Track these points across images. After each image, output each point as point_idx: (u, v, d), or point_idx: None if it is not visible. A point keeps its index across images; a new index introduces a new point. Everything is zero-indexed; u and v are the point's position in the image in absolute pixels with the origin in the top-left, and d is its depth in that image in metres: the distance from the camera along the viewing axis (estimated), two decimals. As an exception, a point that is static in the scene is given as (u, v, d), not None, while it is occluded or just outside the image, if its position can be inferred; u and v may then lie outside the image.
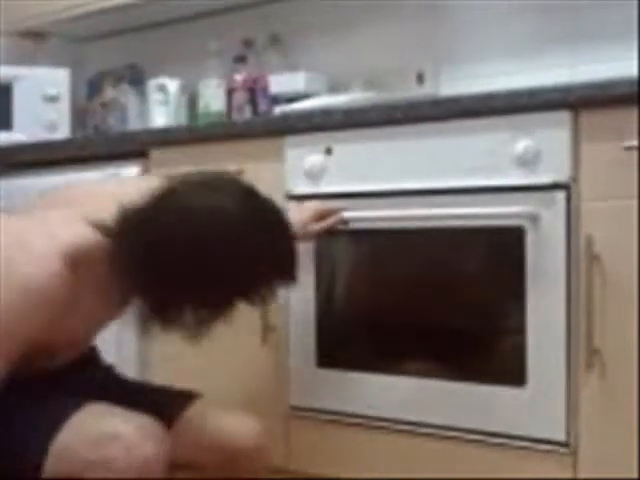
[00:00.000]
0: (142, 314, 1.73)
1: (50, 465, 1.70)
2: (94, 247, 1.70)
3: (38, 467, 1.70)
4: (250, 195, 1.73)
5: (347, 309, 2.48)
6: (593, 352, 2.05)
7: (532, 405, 2.13)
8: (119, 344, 2.86)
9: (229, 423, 2.00)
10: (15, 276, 1.59)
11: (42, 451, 1.70)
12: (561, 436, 2.10)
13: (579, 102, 2.09)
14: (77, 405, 1.76)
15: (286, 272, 1.77)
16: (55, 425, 1.72)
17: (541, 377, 2.12)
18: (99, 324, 1.92)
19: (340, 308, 2.49)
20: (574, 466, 2.09)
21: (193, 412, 1.99)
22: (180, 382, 2.11)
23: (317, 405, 2.48)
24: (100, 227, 1.71)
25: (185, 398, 2.03)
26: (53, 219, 1.73)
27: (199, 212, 1.65)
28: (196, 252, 1.63)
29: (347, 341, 2.46)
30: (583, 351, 2.06)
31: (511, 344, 2.18)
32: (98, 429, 1.71)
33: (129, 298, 1.76)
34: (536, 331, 2.13)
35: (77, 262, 1.66)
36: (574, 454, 2.09)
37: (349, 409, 2.42)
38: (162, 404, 1.95)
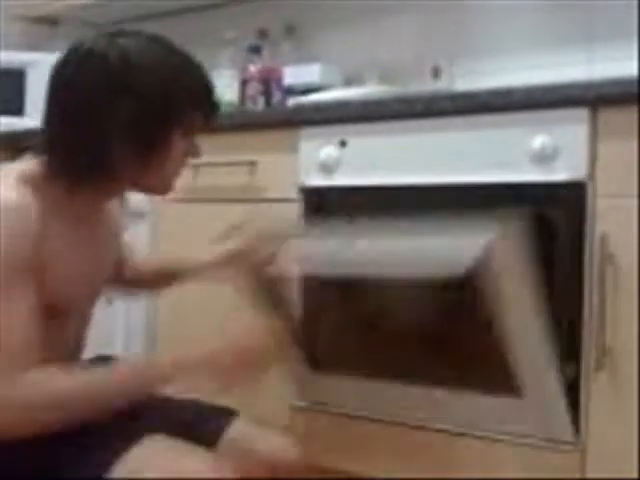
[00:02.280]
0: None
1: None
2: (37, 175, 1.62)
3: None
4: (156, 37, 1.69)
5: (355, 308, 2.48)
6: (605, 351, 2.04)
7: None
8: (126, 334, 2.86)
9: (272, 445, 1.87)
10: None
11: None
12: (567, 436, 2.09)
13: (598, 99, 2.08)
14: (132, 437, 1.65)
15: (205, 98, 1.73)
16: (111, 459, 1.60)
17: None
18: (95, 264, 1.79)
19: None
20: (582, 465, 2.09)
21: (234, 432, 1.87)
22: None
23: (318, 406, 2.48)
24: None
25: (224, 416, 1.91)
26: None
27: (111, 52, 1.59)
28: (98, 88, 1.57)
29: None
30: (594, 350, 2.06)
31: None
32: (173, 468, 1.60)
33: (88, 204, 1.70)
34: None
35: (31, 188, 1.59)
36: (583, 453, 2.09)
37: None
38: (202, 422, 1.86)
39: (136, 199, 1.88)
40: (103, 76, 1.58)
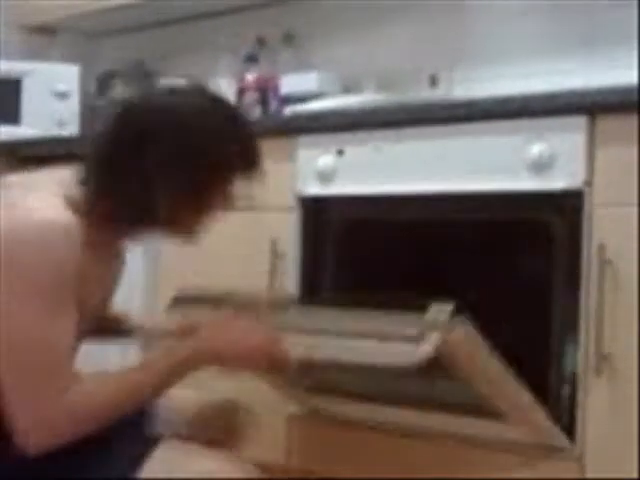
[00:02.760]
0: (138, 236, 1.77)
1: None
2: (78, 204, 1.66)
3: None
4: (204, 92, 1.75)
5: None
6: (603, 357, 2.04)
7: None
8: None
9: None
10: (34, 221, 1.57)
11: None
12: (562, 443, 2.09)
13: (595, 107, 2.08)
14: (152, 442, 1.72)
15: (253, 160, 1.78)
16: (133, 465, 1.67)
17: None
18: (106, 290, 1.86)
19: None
20: (581, 472, 2.08)
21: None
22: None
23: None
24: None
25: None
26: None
27: (166, 109, 1.67)
28: (173, 145, 1.64)
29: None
30: (592, 356, 2.05)
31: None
32: (193, 468, 1.67)
33: (118, 237, 1.77)
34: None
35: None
36: (580, 460, 2.08)
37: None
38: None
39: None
40: (161, 133, 1.64)
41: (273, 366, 1.80)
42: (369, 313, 1.81)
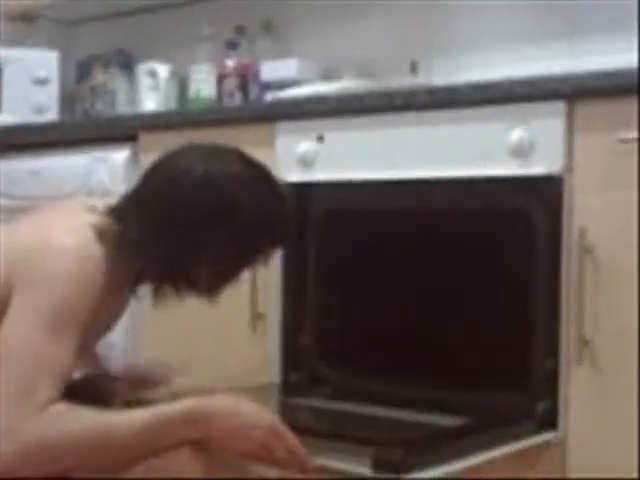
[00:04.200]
0: (156, 290, 1.75)
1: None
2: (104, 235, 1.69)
3: None
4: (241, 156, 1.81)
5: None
6: (584, 344, 2.04)
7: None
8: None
9: None
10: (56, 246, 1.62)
11: None
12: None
13: (574, 93, 2.08)
14: None
15: (283, 231, 1.82)
16: None
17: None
18: (108, 325, 1.89)
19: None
20: (563, 458, 2.09)
21: None
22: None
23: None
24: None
25: None
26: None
27: (200, 174, 1.71)
28: (205, 210, 1.69)
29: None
30: (574, 343, 2.06)
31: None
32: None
33: (139, 281, 1.77)
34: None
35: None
36: (563, 446, 2.09)
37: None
38: None
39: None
40: (210, 202, 1.69)
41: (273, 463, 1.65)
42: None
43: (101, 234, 1.66)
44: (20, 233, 1.71)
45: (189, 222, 1.69)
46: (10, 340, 1.56)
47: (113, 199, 1.79)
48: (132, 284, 1.78)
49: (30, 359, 1.55)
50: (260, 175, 1.78)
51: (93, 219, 1.69)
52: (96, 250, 1.64)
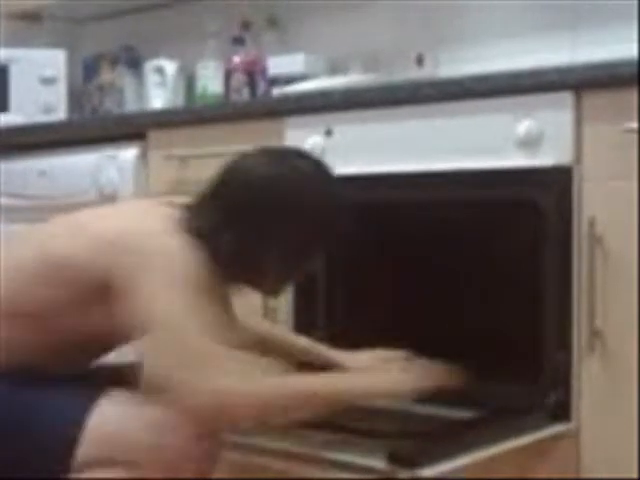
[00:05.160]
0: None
1: (86, 446, 1.68)
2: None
3: (72, 443, 1.67)
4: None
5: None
6: (595, 334, 2.04)
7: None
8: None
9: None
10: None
11: (77, 425, 1.68)
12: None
13: (582, 83, 2.07)
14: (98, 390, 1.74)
15: (343, 229, 1.91)
16: (84, 409, 1.70)
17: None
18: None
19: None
20: (577, 450, 2.09)
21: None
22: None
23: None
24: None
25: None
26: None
27: (269, 174, 1.84)
28: (273, 208, 1.81)
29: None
30: (585, 334, 2.06)
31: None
32: (152, 416, 1.69)
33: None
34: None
35: None
36: (576, 436, 2.09)
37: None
38: None
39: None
40: (280, 204, 1.81)
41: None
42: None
43: (180, 225, 1.77)
44: (104, 225, 1.80)
45: (259, 219, 1.80)
46: (161, 315, 1.65)
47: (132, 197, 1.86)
48: None
49: (191, 323, 1.65)
50: (325, 176, 1.90)
51: (172, 212, 1.80)
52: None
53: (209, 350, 1.65)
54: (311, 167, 1.88)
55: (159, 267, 1.69)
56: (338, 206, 1.89)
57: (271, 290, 1.94)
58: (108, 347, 1.91)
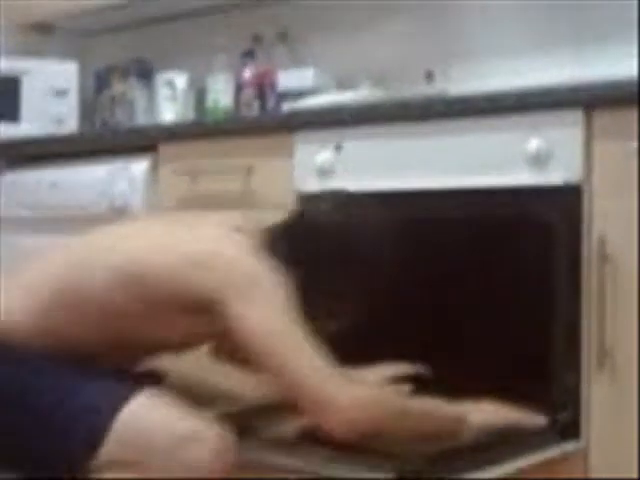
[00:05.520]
0: None
1: (109, 448, 1.69)
2: None
3: (93, 448, 1.69)
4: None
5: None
6: (604, 353, 2.04)
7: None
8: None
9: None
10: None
11: (101, 430, 1.69)
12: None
13: (592, 101, 2.08)
14: (133, 389, 1.75)
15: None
16: (116, 404, 1.72)
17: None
18: None
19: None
20: (586, 466, 2.08)
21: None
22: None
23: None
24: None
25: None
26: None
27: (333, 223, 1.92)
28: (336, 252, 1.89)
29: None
30: (594, 352, 2.05)
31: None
32: (178, 425, 1.71)
33: None
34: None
35: None
36: (585, 454, 2.08)
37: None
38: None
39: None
40: (341, 247, 1.90)
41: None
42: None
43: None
44: (194, 245, 1.84)
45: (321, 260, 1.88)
46: (276, 339, 1.72)
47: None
48: None
49: (303, 344, 1.72)
50: (388, 225, 1.99)
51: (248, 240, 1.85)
52: None
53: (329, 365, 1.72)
54: (374, 215, 1.98)
55: (266, 290, 1.75)
56: (395, 253, 1.97)
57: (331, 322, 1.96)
58: (158, 352, 1.96)
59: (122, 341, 1.84)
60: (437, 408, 1.89)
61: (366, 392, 1.77)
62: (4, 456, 1.77)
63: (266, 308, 1.73)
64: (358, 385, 1.77)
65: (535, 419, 2.01)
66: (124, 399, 1.72)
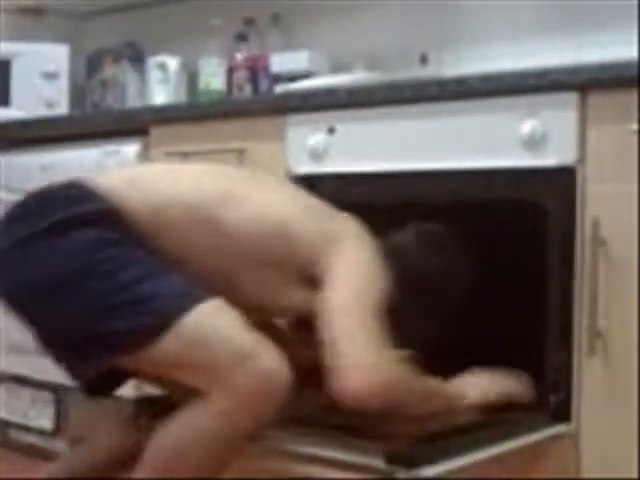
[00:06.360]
0: None
1: (168, 339, 1.69)
2: None
3: (151, 335, 1.69)
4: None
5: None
6: (596, 335, 2.04)
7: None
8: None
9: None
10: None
11: (165, 321, 1.70)
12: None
13: (587, 83, 2.07)
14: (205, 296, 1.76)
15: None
16: (186, 303, 1.73)
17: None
18: None
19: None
20: (577, 451, 2.08)
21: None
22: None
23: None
24: None
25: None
26: None
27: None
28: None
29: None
30: (586, 335, 2.05)
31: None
32: (240, 339, 1.72)
33: None
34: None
35: None
36: (576, 438, 2.08)
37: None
38: None
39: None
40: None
41: None
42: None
43: None
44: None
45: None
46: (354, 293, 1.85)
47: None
48: None
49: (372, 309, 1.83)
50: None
51: None
52: None
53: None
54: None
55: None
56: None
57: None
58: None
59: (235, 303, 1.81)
60: (442, 386, 1.94)
61: (389, 360, 1.81)
62: (54, 334, 1.77)
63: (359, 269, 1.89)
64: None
65: (527, 389, 2.06)
66: (195, 301, 1.72)
